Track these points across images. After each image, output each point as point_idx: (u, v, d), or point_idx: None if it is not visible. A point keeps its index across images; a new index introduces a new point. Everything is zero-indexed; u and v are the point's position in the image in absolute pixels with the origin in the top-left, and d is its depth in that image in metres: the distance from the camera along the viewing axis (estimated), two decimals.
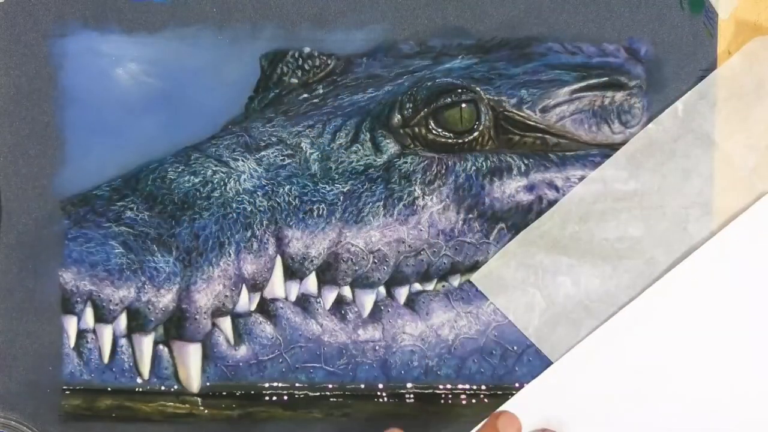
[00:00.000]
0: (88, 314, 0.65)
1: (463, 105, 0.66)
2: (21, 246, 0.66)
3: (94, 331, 0.66)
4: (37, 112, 0.65)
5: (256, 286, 0.66)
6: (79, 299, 0.65)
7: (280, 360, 0.67)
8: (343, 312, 0.67)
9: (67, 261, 0.65)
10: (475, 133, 0.67)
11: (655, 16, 0.67)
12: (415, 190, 0.66)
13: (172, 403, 0.67)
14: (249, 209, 0.66)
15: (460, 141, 0.67)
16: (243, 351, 0.66)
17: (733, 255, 0.66)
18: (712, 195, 0.67)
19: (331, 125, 0.67)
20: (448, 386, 0.68)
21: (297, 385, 0.67)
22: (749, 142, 0.67)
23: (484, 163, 0.67)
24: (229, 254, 0.65)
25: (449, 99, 0.66)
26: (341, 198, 0.66)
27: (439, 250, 0.67)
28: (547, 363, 0.67)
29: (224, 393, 0.67)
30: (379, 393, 0.67)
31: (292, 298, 0.67)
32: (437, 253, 0.67)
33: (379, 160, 0.67)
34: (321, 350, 0.67)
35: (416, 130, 0.67)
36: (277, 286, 0.66)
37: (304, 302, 0.67)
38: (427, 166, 0.66)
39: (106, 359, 0.66)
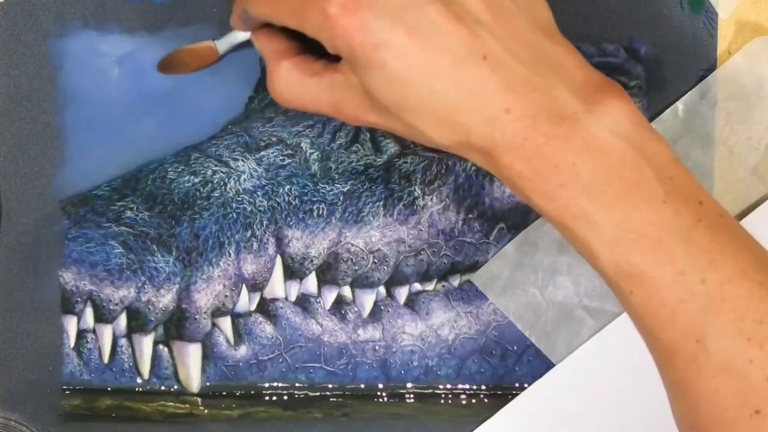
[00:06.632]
0: (88, 314, 0.66)
1: None
2: (21, 246, 0.66)
3: (94, 331, 0.66)
4: (37, 112, 0.65)
5: (256, 286, 0.66)
6: (79, 299, 0.65)
7: (280, 360, 0.67)
8: (343, 312, 0.67)
9: (67, 261, 0.65)
10: None
11: (655, 16, 0.67)
12: (415, 190, 0.67)
13: (172, 403, 0.67)
14: (249, 209, 0.66)
15: None
16: (243, 351, 0.67)
17: None
18: (712, 195, 0.67)
19: (331, 125, 0.67)
20: (448, 386, 0.68)
21: (297, 385, 0.67)
22: (749, 143, 0.67)
23: None
24: (229, 254, 0.65)
25: None
26: (341, 198, 0.66)
27: (439, 250, 0.67)
28: (547, 363, 0.67)
29: (224, 393, 0.67)
30: (379, 393, 0.67)
31: (292, 298, 0.67)
32: (437, 253, 0.67)
33: (379, 160, 0.67)
34: (321, 350, 0.67)
35: None
36: (277, 286, 0.66)
37: (304, 302, 0.67)
38: (427, 166, 0.67)
39: (106, 359, 0.66)
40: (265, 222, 0.66)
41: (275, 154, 0.66)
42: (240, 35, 0.62)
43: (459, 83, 0.49)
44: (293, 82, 0.55)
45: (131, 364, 0.66)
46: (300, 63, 0.55)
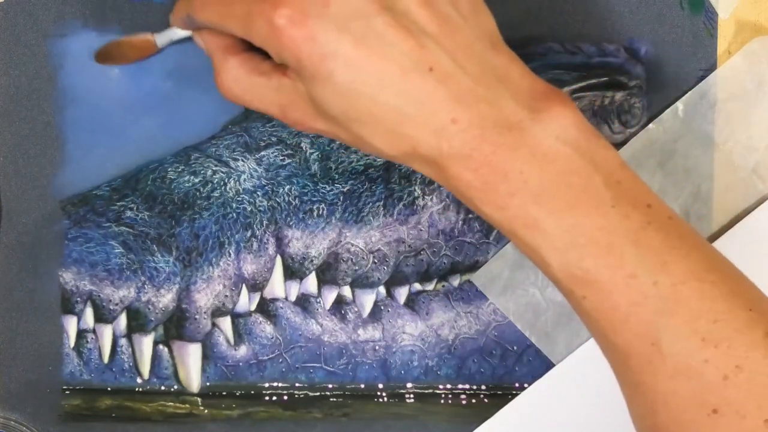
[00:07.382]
0: (88, 314, 0.66)
1: None
2: (21, 246, 0.66)
3: (94, 331, 0.66)
4: (37, 112, 0.65)
5: (256, 286, 0.66)
6: (79, 299, 0.65)
7: (280, 360, 0.67)
8: (343, 312, 0.67)
9: (67, 261, 0.65)
10: None
11: (655, 16, 0.67)
12: (415, 190, 0.67)
13: (172, 403, 0.67)
14: (249, 209, 0.66)
15: None
16: (243, 351, 0.67)
17: (734, 259, 0.66)
18: (712, 195, 0.67)
19: None
20: (448, 386, 0.68)
21: (297, 385, 0.67)
22: (749, 142, 0.67)
23: None
24: (229, 254, 0.65)
25: None
26: (341, 198, 0.66)
27: (439, 250, 0.67)
28: (547, 363, 0.67)
29: (224, 393, 0.67)
30: (379, 393, 0.67)
31: (292, 298, 0.67)
32: (437, 253, 0.67)
33: (379, 159, 0.67)
34: (321, 350, 0.67)
35: None
36: (277, 286, 0.66)
37: (304, 302, 0.67)
38: None
39: (106, 359, 0.66)
40: (265, 222, 0.66)
41: (275, 154, 0.66)
42: (180, 32, 0.61)
43: (406, 94, 0.49)
44: (241, 78, 0.55)
45: (131, 364, 0.66)
46: (248, 60, 0.55)
